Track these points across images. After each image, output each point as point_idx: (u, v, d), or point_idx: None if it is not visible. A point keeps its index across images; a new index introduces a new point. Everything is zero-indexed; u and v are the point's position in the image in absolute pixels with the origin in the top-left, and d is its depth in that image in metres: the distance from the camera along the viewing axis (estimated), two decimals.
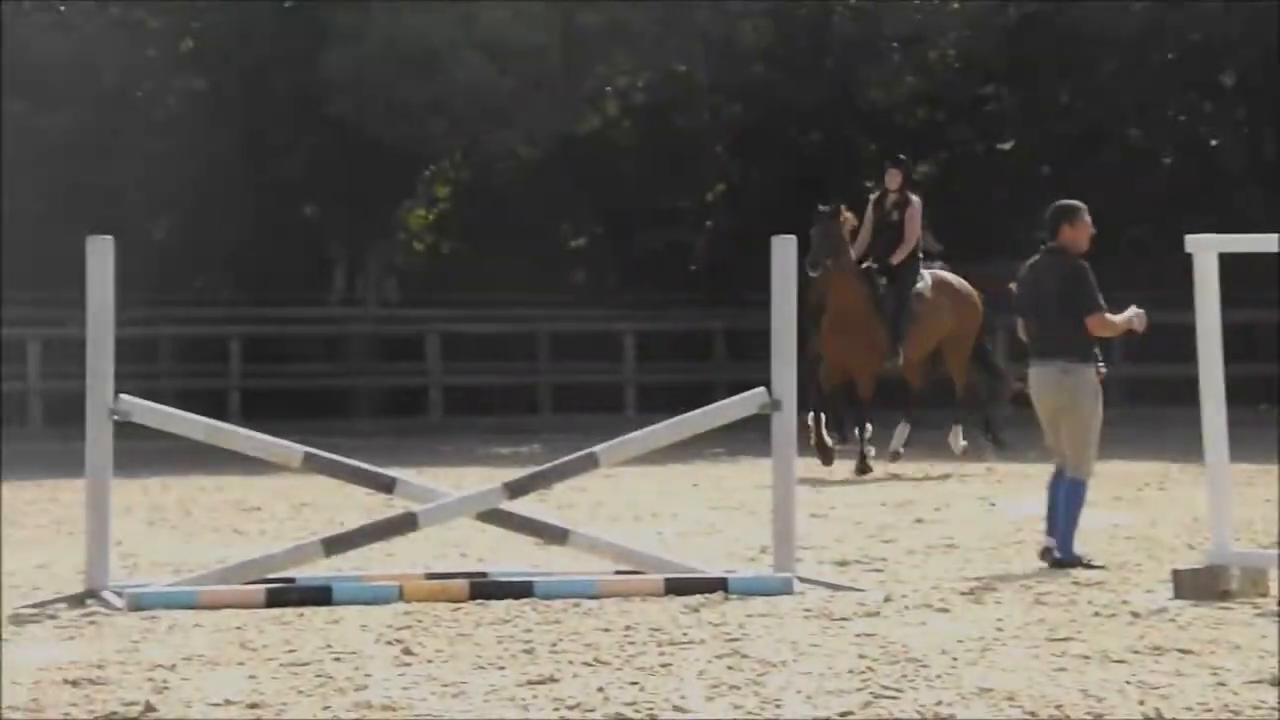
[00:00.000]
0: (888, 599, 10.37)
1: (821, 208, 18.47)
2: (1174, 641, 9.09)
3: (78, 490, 11.15)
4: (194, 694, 7.87)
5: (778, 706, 7.56)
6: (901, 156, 19.38)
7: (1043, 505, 11.95)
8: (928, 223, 19.04)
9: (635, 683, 8.13)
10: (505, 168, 27.01)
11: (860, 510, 15.47)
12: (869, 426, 18.73)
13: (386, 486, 11.35)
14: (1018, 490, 16.38)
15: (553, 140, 25.70)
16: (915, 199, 18.82)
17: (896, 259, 18.70)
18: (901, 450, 19.00)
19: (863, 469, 18.49)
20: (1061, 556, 11.59)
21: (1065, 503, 11.67)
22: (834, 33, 27.41)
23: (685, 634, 9.37)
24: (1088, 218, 11.84)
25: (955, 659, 8.59)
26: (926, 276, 18.95)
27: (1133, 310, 11.92)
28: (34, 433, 24.44)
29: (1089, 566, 11.54)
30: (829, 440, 18.42)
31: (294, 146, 25.91)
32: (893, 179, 18.82)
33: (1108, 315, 11.73)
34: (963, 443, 19.19)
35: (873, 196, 19.13)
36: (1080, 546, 11.74)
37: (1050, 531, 11.75)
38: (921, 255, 19.01)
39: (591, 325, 27.17)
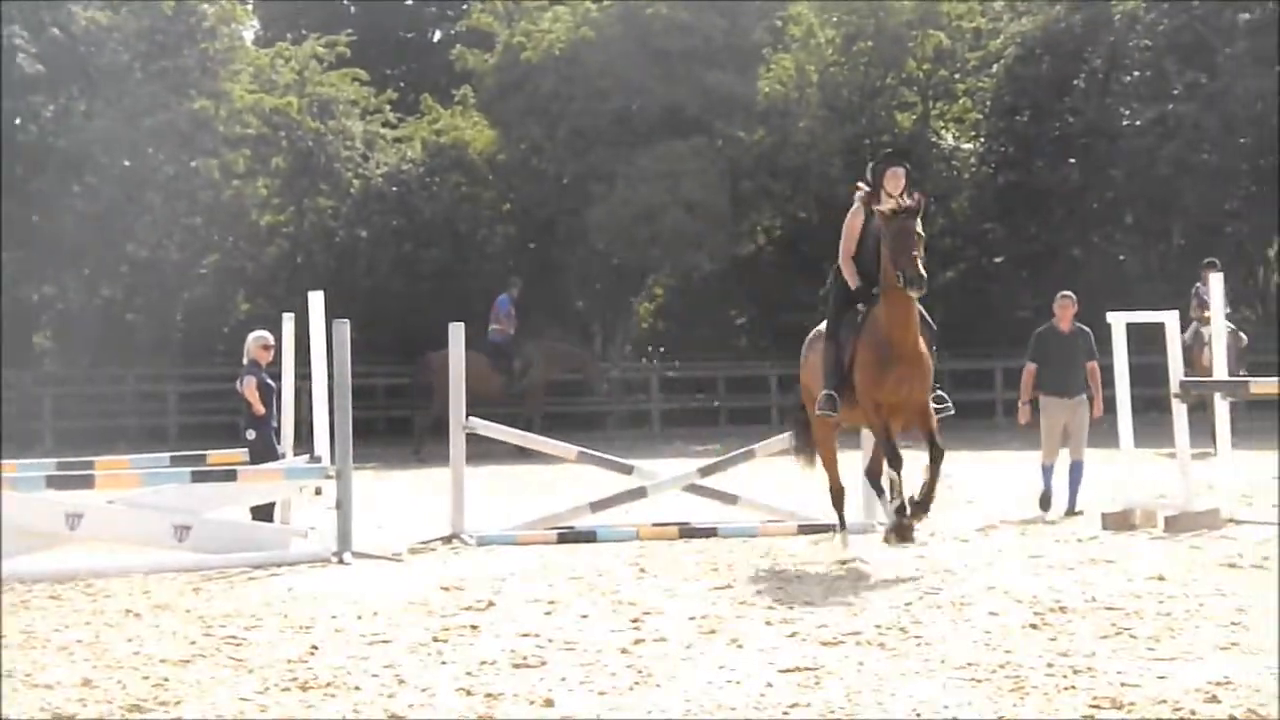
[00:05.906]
0: (933, 535, 9.95)
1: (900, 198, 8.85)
2: (1103, 555, 9.00)
3: (443, 477, 11.21)
4: (516, 595, 8.07)
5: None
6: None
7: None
8: None
9: (781, 588, 8.12)
10: (697, 275, 27.07)
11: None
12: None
13: (628, 470, 11.45)
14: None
15: (725, 260, 25.77)
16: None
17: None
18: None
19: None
20: (1069, 508, 11.20)
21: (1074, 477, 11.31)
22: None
23: (810, 557, 9.43)
24: None
25: (968, 565, 8.52)
26: None
27: None
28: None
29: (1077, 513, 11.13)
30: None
31: (568, 265, 26.23)
32: (894, 180, 8.98)
33: None
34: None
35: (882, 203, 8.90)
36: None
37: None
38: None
39: (751, 370, 26.61)
